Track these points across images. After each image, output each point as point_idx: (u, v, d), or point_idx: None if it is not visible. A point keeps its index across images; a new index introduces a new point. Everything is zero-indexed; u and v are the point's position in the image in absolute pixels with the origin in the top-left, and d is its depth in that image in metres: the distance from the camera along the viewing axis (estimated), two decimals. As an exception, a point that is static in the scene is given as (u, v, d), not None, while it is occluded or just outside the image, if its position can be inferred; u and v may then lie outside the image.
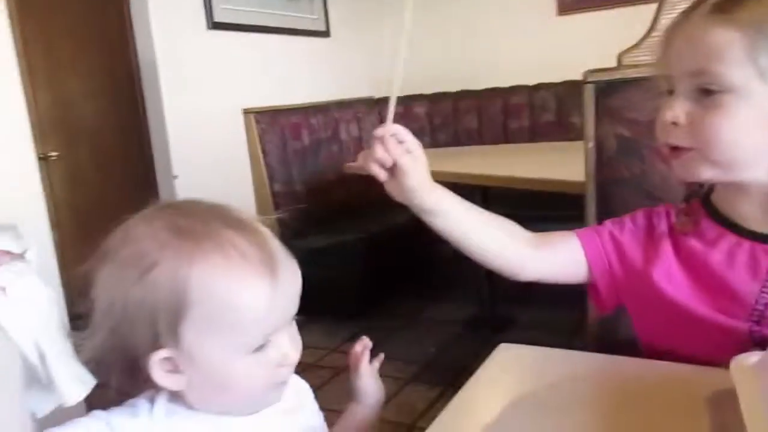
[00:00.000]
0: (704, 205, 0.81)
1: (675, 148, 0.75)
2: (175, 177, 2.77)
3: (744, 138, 0.70)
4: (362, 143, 3.59)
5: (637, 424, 0.62)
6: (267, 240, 0.58)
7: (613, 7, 3.32)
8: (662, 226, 0.83)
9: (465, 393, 0.71)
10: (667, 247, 0.80)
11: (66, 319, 1.56)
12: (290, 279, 0.58)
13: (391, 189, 0.81)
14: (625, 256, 0.83)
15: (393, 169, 0.79)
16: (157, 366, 0.56)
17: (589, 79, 1.18)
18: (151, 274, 0.54)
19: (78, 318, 0.61)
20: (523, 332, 2.65)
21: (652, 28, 1.16)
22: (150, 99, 2.80)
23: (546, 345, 0.81)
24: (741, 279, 0.74)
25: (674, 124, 0.74)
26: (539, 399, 0.71)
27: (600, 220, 1.15)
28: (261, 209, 3.18)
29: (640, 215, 0.86)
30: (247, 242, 0.56)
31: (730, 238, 0.76)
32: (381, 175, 0.79)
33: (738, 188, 0.75)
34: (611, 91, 1.15)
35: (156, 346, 0.56)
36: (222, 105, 3.05)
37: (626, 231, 0.85)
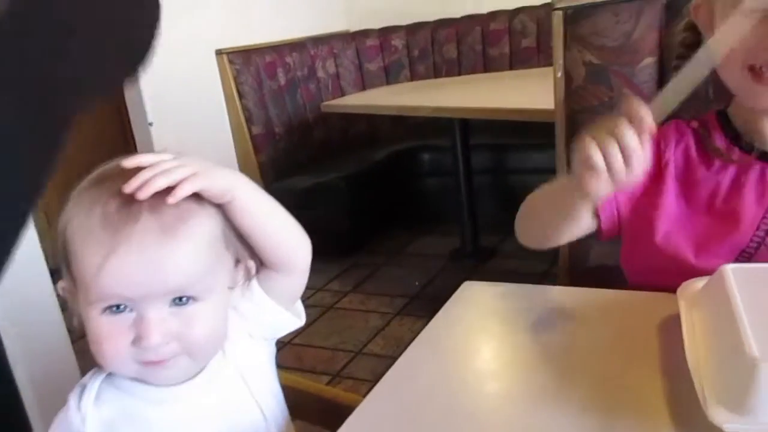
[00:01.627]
0: (720, 120, 0.79)
1: None
2: (150, 124, 2.73)
3: None
4: (340, 80, 3.53)
5: (587, 351, 0.64)
6: (144, 207, 0.55)
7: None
8: (669, 153, 0.79)
9: (428, 332, 0.72)
10: (672, 180, 0.78)
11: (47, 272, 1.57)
12: (152, 247, 0.54)
13: (602, 185, 0.63)
14: (631, 198, 0.81)
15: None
16: (63, 294, 0.61)
17: (557, 5, 1.15)
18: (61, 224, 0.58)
19: (58, 270, 0.63)
20: (505, 261, 2.69)
21: (620, -51, 1.12)
22: (118, 44, 2.72)
23: (526, 273, 0.82)
24: (747, 202, 0.73)
25: None
26: (497, 333, 0.73)
27: (569, 149, 1.14)
28: (240, 152, 3.15)
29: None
30: (119, 202, 0.55)
31: (741, 157, 0.74)
32: (623, 171, 0.62)
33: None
34: (579, 17, 1.13)
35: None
36: (195, 46, 2.96)
37: None
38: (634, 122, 0.60)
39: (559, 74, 1.15)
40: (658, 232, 0.77)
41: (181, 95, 2.89)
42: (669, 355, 0.59)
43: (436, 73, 3.57)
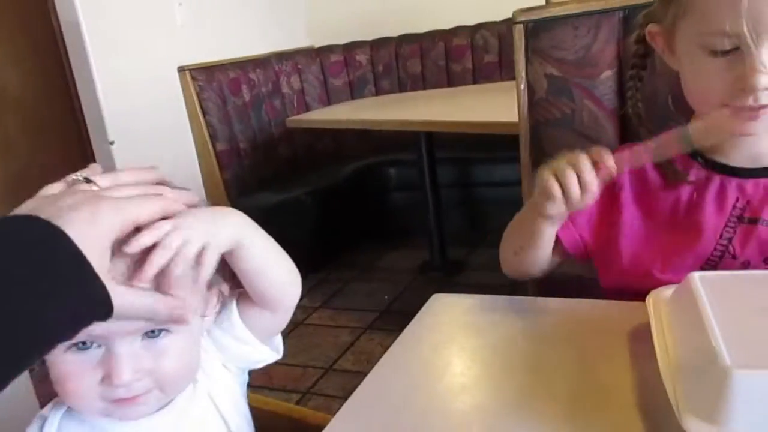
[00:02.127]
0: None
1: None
2: (111, 143, 2.67)
3: None
4: (305, 96, 3.52)
5: (559, 362, 0.64)
6: None
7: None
8: (623, 177, 0.81)
9: (397, 346, 0.71)
10: (628, 201, 0.80)
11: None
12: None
13: (560, 209, 0.72)
14: (591, 223, 0.83)
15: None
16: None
17: (518, 19, 1.17)
18: None
19: None
20: (474, 274, 2.70)
21: (578, -37, 1.14)
22: (76, 62, 2.66)
23: (495, 285, 0.83)
24: (707, 213, 0.74)
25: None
26: (467, 346, 0.72)
27: (534, 161, 1.15)
28: (205, 169, 3.11)
29: None
30: None
31: (701, 172, 0.76)
32: (578, 199, 0.69)
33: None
34: (540, 30, 1.14)
35: None
36: (156, 63, 2.93)
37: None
38: (595, 158, 0.68)
39: (522, 86, 1.17)
40: (624, 253, 0.79)
41: (143, 113, 2.84)
42: (641, 364, 0.59)
43: (401, 87, 3.59)
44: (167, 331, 0.55)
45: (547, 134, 1.14)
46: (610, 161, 0.68)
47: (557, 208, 0.71)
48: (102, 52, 2.66)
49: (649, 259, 0.76)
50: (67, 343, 0.52)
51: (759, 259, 0.72)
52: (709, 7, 0.65)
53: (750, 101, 0.65)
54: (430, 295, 0.82)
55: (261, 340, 0.66)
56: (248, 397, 0.71)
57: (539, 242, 0.80)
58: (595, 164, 0.68)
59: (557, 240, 0.84)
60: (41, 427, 0.60)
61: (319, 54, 3.61)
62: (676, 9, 0.70)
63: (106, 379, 0.53)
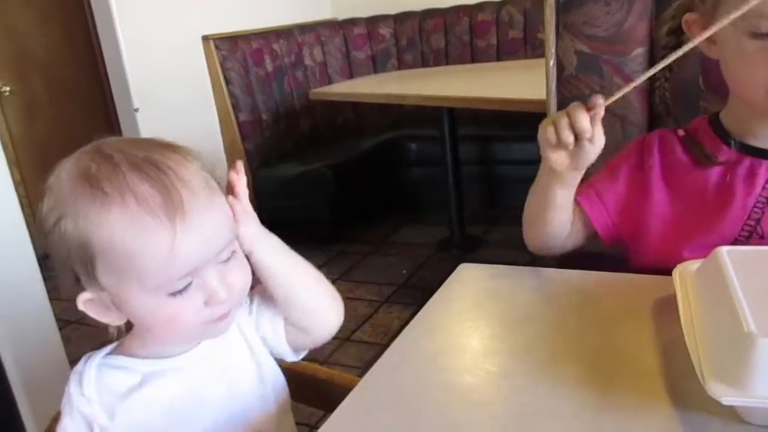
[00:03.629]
0: (711, 122, 0.81)
1: None
2: (136, 110, 2.70)
3: None
4: (327, 68, 3.52)
5: (583, 329, 0.65)
6: (174, 181, 0.56)
7: None
8: (653, 159, 0.83)
9: (425, 312, 0.73)
10: (658, 183, 0.81)
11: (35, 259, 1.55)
12: (203, 219, 0.57)
13: (560, 158, 0.73)
14: (620, 203, 0.84)
15: (577, 143, 0.71)
16: (85, 307, 0.60)
17: (547, -5, 1.16)
18: (59, 226, 0.57)
19: (46, 257, 0.63)
20: (493, 250, 2.71)
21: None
22: (102, 27, 2.68)
23: (513, 263, 0.84)
24: (736, 194, 0.75)
25: None
26: (492, 313, 0.74)
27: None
28: (227, 139, 3.13)
29: (631, 155, 0.86)
30: (149, 186, 0.55)
31: (731, 154, 0.77)
32: (570, 142, 0.70)
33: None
34: (571, 6, 1.14)
35: (79, 288, 0.59)
36: (181, 32, 2.94)
37: (621, 180, 0.85)
38: (589, 106, 0.68)
39: (552, 62, 1.17)
40: (653, 233, 0.80)
41: (167, 81, 2.86)
42: (665, 332, 0.60)
43: (424, 62, 3.57)
44: (235, 253, 0.62)
45: (574, 110, 1.15)
46: (599, 99, 0.68)
47: (559, 157, 0.72)
48: (128, 18, 2.68)
49: (678, 240, 0.77)
50: (166, 291, 0.58)
51: None
52: None
53: None
54: (448, 271, 0.83)
55: (294, 352, 0.72)
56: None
57: (552, 204, 0.80)
58: (590, 110, 0.68)
59: (583, 214, 0.85)
60: (80, 381, 0.63)
61: (342, 26, 3.59)
62: None
63: (209, 301, 0.59)
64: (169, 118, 2.83)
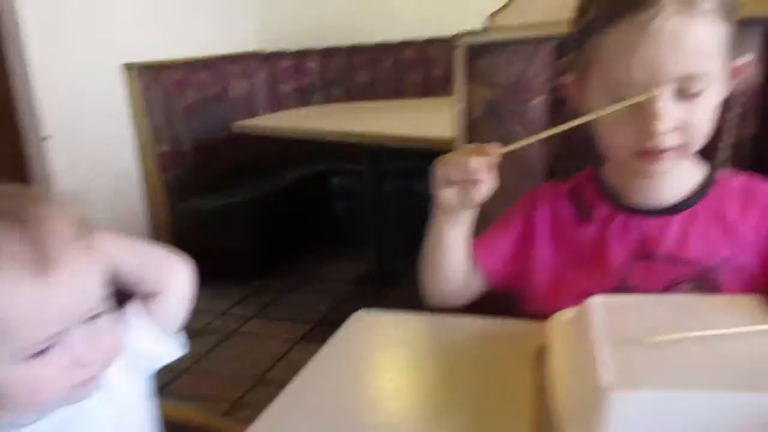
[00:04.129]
0: (593, 177, 0.84)
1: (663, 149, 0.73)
2: (45, 138, 2.58)
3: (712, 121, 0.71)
4: (252, 100, 3.49)
5: (467, 381, 0.66)
6: (46, 233, 0.54)
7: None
8: (540, 212, 0.85)
9: (318, 359, 0.72)
10: (544, 235, 0.84)
11: None
12: (74, 275, 0.55)
13: (450, 196, 0.75)
14: (512, 258, 0.86)
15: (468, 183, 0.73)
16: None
17: (459, 42, 1.20)
18: None
19: None
20: (413, 286, 2.71)
21: (519, -9, 1.18)
22: (11, 50, 2.56)
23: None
24: (611, 248, 0.78)
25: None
26: (386, 362, 0.73)
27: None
28: (146, 170, 3.04)
29: (521, 207, 0.88)
30: (18, 239, 0.52)
31: (608, 209, 0.80)
32: (461, 180, 0.73)
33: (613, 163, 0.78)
34: (479, 54, 1.17)
35: None
36: (101, 58, 2.84)
37: (511, 231, 0.87)
38: (481, 149, 0.71)
39: (459, 108, 1.19)
40: (538, 283, 0.83)
41: (84, 109, 2.76)
42: (539, 383, 0.61)
43: (350, 97, 3.60)
44: (101, 314, 0.59)
45: (480, 156, 1.17)
46: (495, 147, 0.70)
47: (449, 194, 0.74)
48: (41, 40, 2.57)
49: (561, 291, 0.79)
50: (26, 353, 0.53)
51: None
52: (611, 58, 0.69)
53: (658, 143, 0.69)
54: (366, 306, 0.84)
55: (164, 333, 0.70)
56: (164, 407, 0.71)
57: (445, 243, 0.81)
58: (482, 153, 0.70)
59: (477, 266, 0.85)
60: None
61: (269, 59, 3.59)
62: (584, 59, 0.74)
63: (75, 364, 0.56)
64: (84, 147, 2.72)
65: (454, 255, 0.82)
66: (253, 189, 3.00)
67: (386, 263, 2.79)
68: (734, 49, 0.73)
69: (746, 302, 0.59)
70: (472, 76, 1.18)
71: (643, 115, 0.68)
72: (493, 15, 1.22)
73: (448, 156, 0.74)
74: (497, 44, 1.17)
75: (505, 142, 1.12)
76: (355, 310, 0.83)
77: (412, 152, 2.84)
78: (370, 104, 3.42)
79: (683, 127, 0.70)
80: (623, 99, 0.68)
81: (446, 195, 0.75)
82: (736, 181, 0.79)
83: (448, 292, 0.86)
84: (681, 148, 0.71)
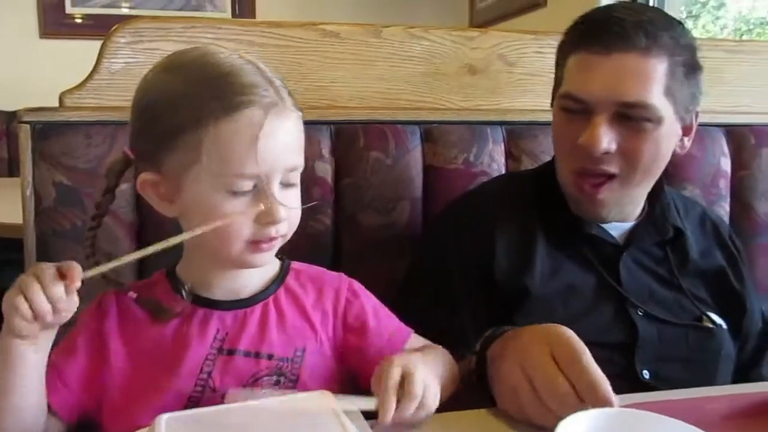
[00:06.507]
0: (167, 276, 0.79)
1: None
2: None
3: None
4: None
5: None
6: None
7: (92, 38, 3.15)
8: (109, 322, 0.76)
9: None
10: (117, 346, 0.75)
11: None
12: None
13: (32, 326, 0.63)
14: (87, 382, 0.74)
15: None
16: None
17: (26, 119, 1.06)
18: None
19: None
20: None
21: (95, 71, 1.12)
22: None
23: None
24: (190, 348, 0.73)
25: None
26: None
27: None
28: None
29: (88, 322, 0.77)
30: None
31: (186, 306, 0.75)
32: (48, 311, 0.61)
33: (215, 256, 0.73)
34: (50, 133, 1.06)
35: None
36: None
37: (79, 351, 0.75)
38: (63, 270, 0.62)
39: (28, 192, 1.05)
40: (117, 400, 0.73)
41: None
42: None
43: None
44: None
45: (56, 246, 1.05)
46: (73, 271, 0.62)
47: (28, 327, 0.63)
48: None
49: (139, 404, 0.71)
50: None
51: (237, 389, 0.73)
52: (227, 154, 0.67)
53: (273, 232, 0.70)
54: None
55: None
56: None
57: (24, 372, 0.66)
58: (63, 275, 0.62)
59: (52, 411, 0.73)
60: None
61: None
62: (184, 157, 0.69)
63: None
64: None
65: (33, 385, 0.68)
66: None
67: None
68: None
69: (315, 401, 0.62)
70: (42, 157, 1.05)
71: (259, 202, 0.69)
72: (66, 93, 1.11)
73: (21, 283, 0.62)
74: (72, 124, 1.07)
75: (81, 231, 1.03)
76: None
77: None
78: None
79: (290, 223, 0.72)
80: (237, 191, 0.68)
81: (27, 326, 0.62)
82: (309, 270, 0.83)
83: None
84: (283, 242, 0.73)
